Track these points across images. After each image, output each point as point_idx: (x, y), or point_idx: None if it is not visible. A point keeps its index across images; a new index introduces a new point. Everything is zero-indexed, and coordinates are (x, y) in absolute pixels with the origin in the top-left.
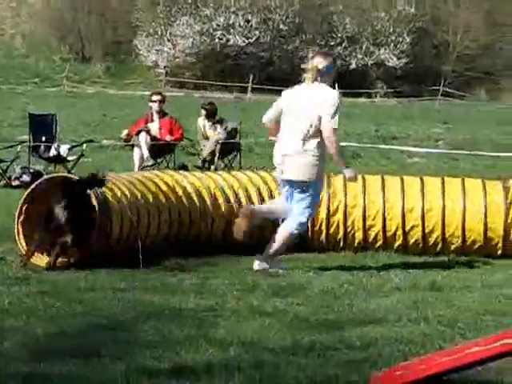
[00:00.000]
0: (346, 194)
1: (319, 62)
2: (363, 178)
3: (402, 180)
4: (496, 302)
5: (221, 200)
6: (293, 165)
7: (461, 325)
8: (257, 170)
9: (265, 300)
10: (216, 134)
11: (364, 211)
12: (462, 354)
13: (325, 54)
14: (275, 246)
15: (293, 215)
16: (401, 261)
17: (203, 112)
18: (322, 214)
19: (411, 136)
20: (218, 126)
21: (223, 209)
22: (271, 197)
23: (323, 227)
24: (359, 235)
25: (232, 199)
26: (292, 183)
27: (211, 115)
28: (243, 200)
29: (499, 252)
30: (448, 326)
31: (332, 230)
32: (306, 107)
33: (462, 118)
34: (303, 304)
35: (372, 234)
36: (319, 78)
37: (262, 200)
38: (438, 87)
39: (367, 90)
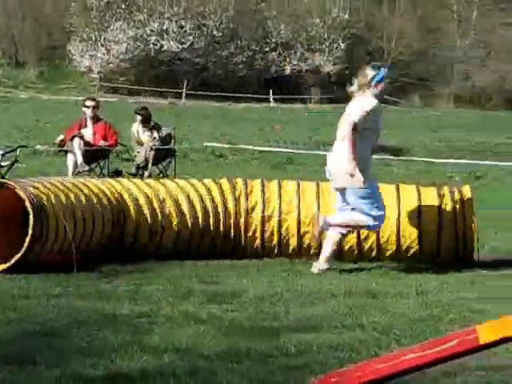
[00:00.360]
0: (280, 200)
1: (362, 75)
2: (298, 184)
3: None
4: (430, 309)
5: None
6: (335, 172)
7: (396, 331)
8: (188, 179)
9: (200, 306)
10: (151, 139)
11: (298, 217)
12: (397, 360)
13: (369, 66)
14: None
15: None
16: (336, 267)
17: (138, 117)
18: (256, 220)
19: None
20: (154, 131)
21: (148, 214)
22: (202, 203)
23: (258, 233)
24: (294, 241)
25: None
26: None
27: (146, 120)
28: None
29: (434, 258)
30: (383, 332)
31: (267, 235)
32: (345, 116)
33: (396, 124)
34: (238, 310)
35: (306, 240)
36: (364, 89)
37: (192, 206)
38: None
39: (302, 96)
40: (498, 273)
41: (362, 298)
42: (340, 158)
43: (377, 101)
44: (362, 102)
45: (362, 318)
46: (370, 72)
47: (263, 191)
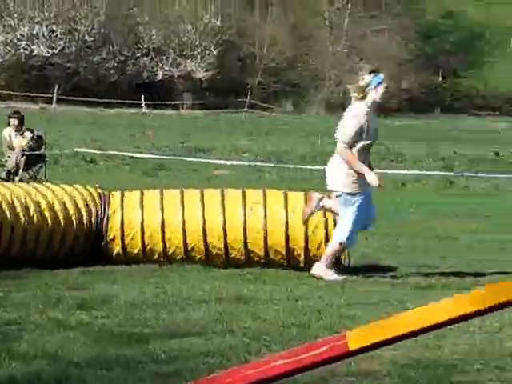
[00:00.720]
0: (142, 207)
1: (360, 79)
2: (161, 192)
3: (202, 192)
4: (301, 315)
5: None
6: (329, 176)
7: (266, 337)
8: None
9: (69, 313)
10: (25, 142)
11: (163, 224)
12: (267, 366)
13: (364, 71)
14: (324, 256)
15: (337, 227)
16: (206, 273)
17: (11, 122)
18: (117, 225)
19: (217, 148)
20: (28, 134)
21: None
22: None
23: (118, 239)
24: (159, 248)
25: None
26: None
27: (19, 125)
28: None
29: (302, 264)
30: (254, 338)
31: (127, 241)
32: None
33: (268, 130)
34: (109, 317)
35: (172, 246)
36: (359, 95)
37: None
38: (244, 99)
39: (173, 102)
40: (368, 279)
41: (232, 304)
42: (333, 165)
43: (368, 108)
44: (352, 114)
45: (232, 323)
46: (367, 76)
47: (122, 199)
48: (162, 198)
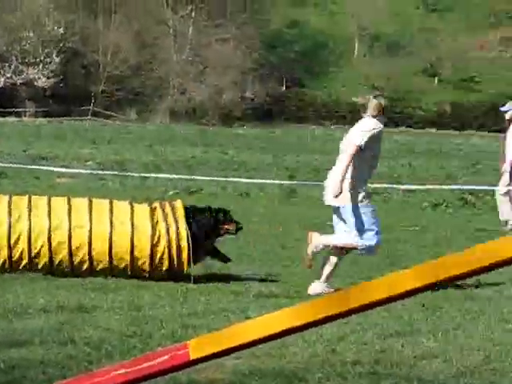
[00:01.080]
0: None
1: (362, 99)
2: (10, 197)
3: (49, 200)
4: (143, 324)
5: None
6: (328, 190)
7: (108, 347)
8: None
9: None
10: None
11: (9, 230)
12: (108, 376)
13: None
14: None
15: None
16: (49, 282)
17: None
18: None
19: (60, 156)
20: None
21: None
22: None
23: None
24: (4, 255)
25: None
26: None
27: None
28: None
29: (146, 274)
30: (95, 347)
31: None
32: (346, 139)
33: (111, 139)
34: None
35: (16, 253)
36: (377, 113)
37: None
38: (88, 107)
39: (16, 109)
40: (211, 287)
41: (74, 313)
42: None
43: (381, 125)
44: (369, 125)
45: (73, 333)
46: (366, 97)
47: None
48: (10, 205)
